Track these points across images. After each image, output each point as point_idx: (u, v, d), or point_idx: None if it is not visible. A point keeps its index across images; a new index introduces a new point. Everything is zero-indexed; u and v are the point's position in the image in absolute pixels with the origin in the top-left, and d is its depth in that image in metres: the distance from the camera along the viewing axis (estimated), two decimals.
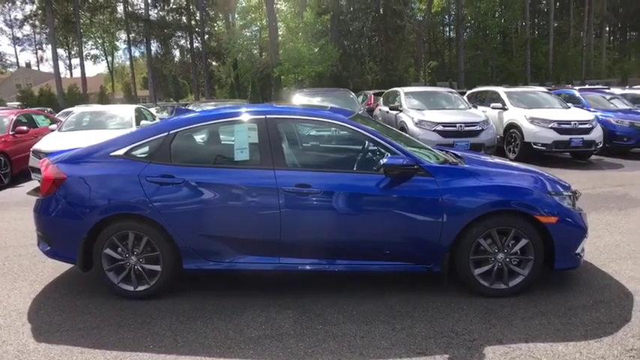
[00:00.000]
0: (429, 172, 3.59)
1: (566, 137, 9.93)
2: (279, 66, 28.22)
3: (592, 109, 11.51)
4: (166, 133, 3.70)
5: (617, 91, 15.13)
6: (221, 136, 3.93)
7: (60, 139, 8.47)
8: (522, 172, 3.95)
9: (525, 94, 11.90)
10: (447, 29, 46.99)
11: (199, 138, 3.99)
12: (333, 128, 4.20)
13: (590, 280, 4.01)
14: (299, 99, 10.76)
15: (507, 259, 3.65)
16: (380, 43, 34.63)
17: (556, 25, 41.16)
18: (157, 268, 3.64)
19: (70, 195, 3.65)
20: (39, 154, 8.02)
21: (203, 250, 3.61)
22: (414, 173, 3.55)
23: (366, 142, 3.87)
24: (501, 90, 11.96)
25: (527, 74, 38.52)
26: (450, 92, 11.91)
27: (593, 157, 10.70)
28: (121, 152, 3.70)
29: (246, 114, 3.82)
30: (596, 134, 10.14)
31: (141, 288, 3.67)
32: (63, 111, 15.21)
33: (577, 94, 12.83)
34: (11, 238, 5.46)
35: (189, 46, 34.91)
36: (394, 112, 11.13)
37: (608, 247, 4.81)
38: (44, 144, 8.39)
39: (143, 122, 9.66)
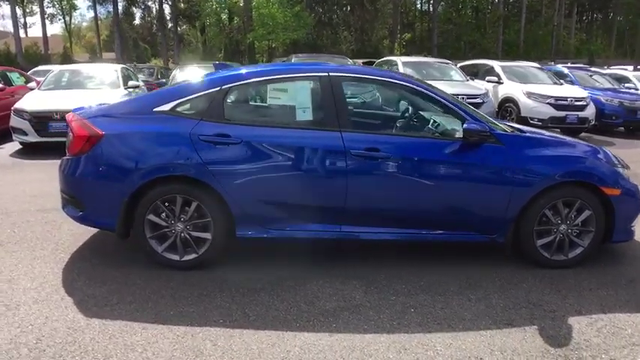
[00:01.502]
0: (500, 141, 3.42)
1: (562, 113, 10.02)
2: (252, 32, 27.19)
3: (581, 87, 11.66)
4: (218, 88, 3.32)
5: (599, 70, 15.43)
6: (279, 94, 3.57)
7: (44, 98, 7.79)
8: (584, 145, 3.84)
9: (519, 68, 11.90)
10: (420, 2, 46.69)
11: (255, 95, 3.62)
12: (398, 90, 3.90)
13: (634, 253, 3.98)
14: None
15: (569, 231, 3.55)
16: (355, 13, 33.97)
17: (528, 3, 41.58)
18: (207, 235, 3.31)
19: (108, 154, 3.24)
20: (22, 113, 7.34)
21: (260, 216, 3.31)
22: (486, 140, 3.36)
23: (434, 106, 3.62)
24: (496, 63, 11.91)
25: (498, 51, 38.97)
26: (446, 63, 11.73)
27: (582, 134, 10.90)
28: (166, 108, 3.30)
29: (306, 70, 3.48)
30: (590, 111, 10.29)
31: (188, 257, 3.34)
32: (35, 69, 14.08)
33: (565, 70, 12.97)
34: (10, 204, 4.94)
35: (157, 6, 32.98)
36: None
37: None
38: (27, 103, 7.68)
39: (131, 82, 9.03)
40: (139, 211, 3.25)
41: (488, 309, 3.02)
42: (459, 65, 13.33)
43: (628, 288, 3.38)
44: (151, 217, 3.27)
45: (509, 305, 3.07)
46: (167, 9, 34.06)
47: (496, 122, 3.83)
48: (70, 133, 3.41)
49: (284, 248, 3.68)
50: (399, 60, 11.22)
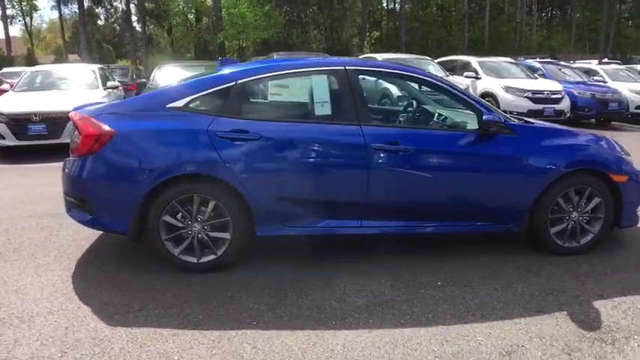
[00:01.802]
0: (514, 131, 3.45)
1: (540, 106, 10.30)
2: (222, 31, 26.80)
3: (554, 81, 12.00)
4: (233, 83, 3.21)
5: (568, 65, 15.93)
6: (295, 88, 3.49)
7: (21, 100, 7.44)
8: (590, 134, 3.92)
9: (494, 63, 12.15)
10: (387, 1, 47.10)
11: (271, 89, 3.52)
12: (413, 83, 3.88)
13: (631, 237, 4.08)
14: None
15: (580, 218, 3.62)
16: (324, 12, 34.00)
17: (491, 0, 42.61)
18: (226, 235, 3.20)
19: (120, 153, 3.09)
20: None
21: (280, 214, 3.22)
22: (502, 131, 3.39)
23: (448, 98, 3.62)
24: (473, 59, 12.12)
25: (464, 48, 39.77)
26: (425, 60, 11.86)
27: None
28: (179, 104, 3.17)
29: (322, 64, 3.43)
30: (565, 104, 10.61)
31: (206, 259, 3.22)
32: (3, 70, 13.43)
33: (537, 65, 13.33)
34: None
35: (124, 6, 31.92)
36: None
37: None
38: (3, 105, 7.29)
39: (110, 83, 8.72)
40: (154, 213, 3.10)
41: (516, 297, 3.03)
42: (436, 61, 13.52)
43: (639, 271, 3.48)
44: (167, 218, 3.13)
45: (535, 292, 3.09)
46: (134, 9, 33.20)
47: (506, 115, 3.86)
48: (76, 132, 3.23)
49: (298, 246, 3.58)
50: (380, 57, 11.26)
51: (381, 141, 3.20)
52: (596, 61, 18.37)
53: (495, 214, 3.51)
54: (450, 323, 2.71)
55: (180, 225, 3.16)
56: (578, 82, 12.07)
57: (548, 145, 3.50)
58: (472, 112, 3.45)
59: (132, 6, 30.43)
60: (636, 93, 11.80)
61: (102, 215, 3.18)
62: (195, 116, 3.14)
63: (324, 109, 3.28)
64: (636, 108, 11.69)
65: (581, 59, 26.11)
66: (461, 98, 3.49)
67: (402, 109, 4.26)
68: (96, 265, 3.42)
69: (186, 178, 3.09)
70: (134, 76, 13.43)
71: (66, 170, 3.29)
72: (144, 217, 3.12)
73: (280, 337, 2.52)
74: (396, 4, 45.01)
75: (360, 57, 13.25)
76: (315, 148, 3.18)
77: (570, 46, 44.60)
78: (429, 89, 3.67)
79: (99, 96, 7.96)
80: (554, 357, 2.44)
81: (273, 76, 3.39)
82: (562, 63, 16.04)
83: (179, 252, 3.19)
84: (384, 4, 48.37)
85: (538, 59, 18.86)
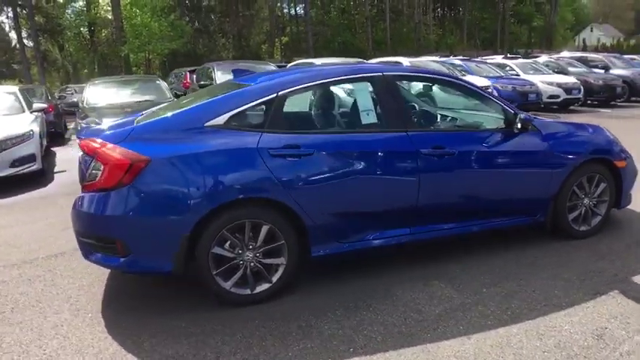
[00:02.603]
0: (537, 127, 3.61)
1: None
2: (127, 44, 25.23)
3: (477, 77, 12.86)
4: (274, 95, 2.98)
5: (484, 60, 17.16)
6: (337, 98, 3.33)
7: None
8: (591, 125, 4.19)
9: (422, 63, 12.73)
10: (288, 6, 47.48)
11: (312, 100, 3.32)
12: (446, 86, 3.90)
13: (622, 216, 4.43)
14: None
15: (590, 203, 3.89)
16: (230, 19, 33.43)
17: (390, 3, 44.74)
18: (280, 260, 2.97)
19: (160, 183, 2.73)
20: None
21: (336, 231, 3.06)
22: (532, 128, 3.55)
23: (475, 100, 3.70)
24: (405, 60, 12.57)
25: (370, 49, 41.37)
26: (268, 64, 11.68)
27: None
28: (220, 121, 2.88)
29: (360, 71, 3.31)
30: None
31: (260, 289, 2.97)
32: None
33: (459, 62, 14.20)
34: None
35: (12, 22, 28.49)
36: None
37: None
38: None
39: (36, 105, 7.81)
40: (202, 245, 2.79)
41: (568, 283, 3.17)
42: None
43: None
44: (217, 249, 2.83)
45: (580, 276, 3.26)
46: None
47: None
48: (94, 163, 2.81)
49: (327, 261, 3.42)
50: (318, 61, 11.26)
51: (429, 146, 3.18)
52: (501, 56, 19.97)
53: (527, 206, 3.66)
54: (531, 317, 2.76)
55: (231, 255, 2.88)
56: (498, 77, 13.03)
57: (567, 139, 3.75)
58: (496, 112, 3.56)
59: (21, 20, 27.42)
60: (547, 84, 13.03)
61: (140, 256, 2.79)
62: (240, 134, 2.88)
63: (369, 117, 3.18)
64: (548, 98, 12.90)
65: (477, 55, 28.34)
66: (490, 100, 3.61)
67: (434, 112, 4.31)
68: (129, 312, 2.99)
69: (236, 203, 2.82)
70: (49, 97, 12.14)
71: (82, 208, 2.86)
72: (190, 251, 2.79)
73: (396, 358, 2.39)
74: (298, 9, 45.61)
75: (293, 64, 13.11)
76: (368, 158, 3.07)
77: (464, 44, 48.26)
78: (458, 92, 3.71)
79: (27, 121, 7.11)
80: (636, 332, 2.58)
81: (313, 85, 3.22)
82: (478, 59, 17.26)
83: (231, 285, 2.91)
84: (286, 10, 48.87)
85: (452, 57, 20.15)
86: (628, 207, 4.24)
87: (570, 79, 13.60)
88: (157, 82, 9.31)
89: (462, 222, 3.44)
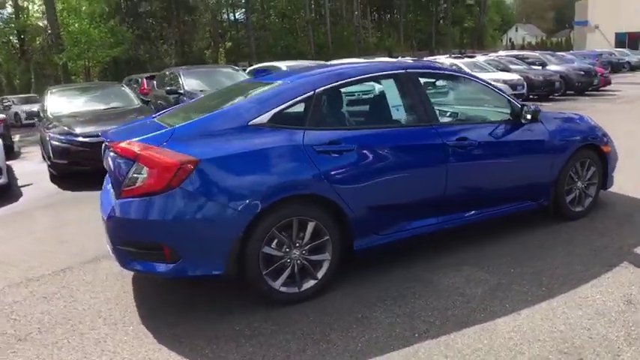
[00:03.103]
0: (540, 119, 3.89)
1: None
2: (65, 52, 23.91)
3: None
4: (312, 92, 3.03)
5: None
6: (368, 94, 3.42)
7: None
8: (578, 115, 4.54)
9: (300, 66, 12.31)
10: (227, 12, 46.98)
11: (344, 96, 3.37)
12: (461, 82, 4.08)
13: (606, 199, 4.83)
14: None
15: (582, 186, 4.23)
16: (172, 25, 32.60)
17: (330, 7, 45.44)
18: (325, 256, 3.02)
19: (209, 184, 2.69)
20: None
21: (375, 223, 3.15)
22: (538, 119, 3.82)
23: (485, 94, 3.92)
24: (363, 60, 12.83)
25: (312, 53, 41.81)
26: (233, 69, 11.02)
27: None
28: (264, 119, 2.89)
29: (386, 68, 3.46)
30: None
31: (307, 286, 2.99)
32: None
33: (411, 62, 14.71)
34: None
35: None
36: (173, 96, 9.05)
37: None
38: None
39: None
40: (253, 246, 2.78)
41: (584, 259, 3.43)
42: (249, 69, 12.70)
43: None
44: (266, 249, 2.83)
45: (592, 252, 3.54)
46: None
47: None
48: (136, 167, 2.72)
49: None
50: (283, 65, 11.23)
51: (454, 138, 3.36)
52: (447, 56, 20.85)
53: (534, 191, 3.94)
54: (564, 291, 2.98)
55: (279, 254, 2.89)
56: None
57: (564, 127, 4.06)
58: (503, 105, 3.80)
59: None
60: (494, 81, 13.69)
61: (189, 261, 2.73)
62: (285, 131, 2.90)
63: (399, 112, 3.30)
64: None
65: (414, 56, 29.48)
66: (498, 94, 3.86)
67: (450, 106, 4.46)
68: (172, 321, 2.91)
69: (285, 201, 2.83)
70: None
71: (122, 215, 2.76)
72: (242, 253, 2.78)
73: (461, 339, 2.52)
74: (238, 15, 45.26)
75: (256, 66, 13.00)
76: (402, 151, 3.19)
77: (401, 45, 49.92)
78: (469, 87, 3.92)
79: None
80: None
81: (345, 83, 3.29)
82: (426, 59, 17.91)
83: (280, 284, 2.91)
84: (225, 16, 48.35)
85: (399, 58, 20.76)
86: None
87: (515, 76, 14.48)
88: (121, 87, 8.98)
89: (481, 209, 3.64)
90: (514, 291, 3.01)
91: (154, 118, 3.65)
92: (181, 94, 8.90)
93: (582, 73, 16.17)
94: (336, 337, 2.61)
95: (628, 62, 28.72)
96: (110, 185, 3.36)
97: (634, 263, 3.33)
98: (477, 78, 3.91)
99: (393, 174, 3.16)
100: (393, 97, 3.36)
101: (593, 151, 4.21)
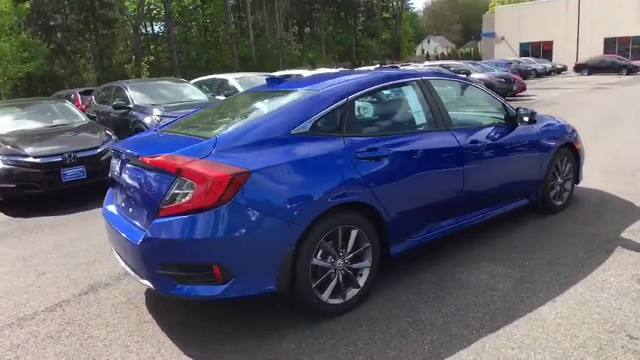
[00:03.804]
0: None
1: None
2: None
3: None
4: (345, 100, 3.06)
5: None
6: (392, 100, 3.49)
7: None
8: (553, 116, 4.91)
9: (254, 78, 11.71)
10: (149, 25, 45.34)
11: (371, 103, 3.41)
12: (465, 89, 4.26)
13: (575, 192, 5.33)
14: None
15: (561, 181, 4.62)
16: (90, 38, 30.80)
17: (253, 20, 45.39)
18: (365, 264, 3.04)
19: (261, 196, 2.61)
20: None
21: (408, 227, 3.23)
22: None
23: (482, 98, 4.16)
24: (231, 77, 11.80)
25: (236, 65, 41.44)
26: (180, 81, 10.66)
27: None
28: (305, 128, 2.87)
29: (405, 76, 3.56)
30: None
31: (351, 295, 2.99)
32: None
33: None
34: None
35: None
36: (122, 111, 8.52)
37: None
38: None
39: None
40: (303, 259, 2.73)
41: (582, 247, 3.75)
42: (195, 81, 12.07)
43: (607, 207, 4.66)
44: (315, 261, 2.80)
45: (586, 241, 3.88)
46: None
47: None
48: (184, 182, 2.56)
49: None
50: (127, 84, 9.46)
51: (468, 141, 3.56)
52: (374, 67, 21.61)
53: (527, 188, 4.24)
54: (581, 277, 3.25)
55: (327, 265, 2.87)
56: None
57: (548, 127, 4.41)
58: (498, 109, 4.08)
59: None
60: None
61: (243, 279, 2.61)
62: (328, 139, 2.90)
63: (420, 118, 3.42)
64: None
65: (337, 68, 30.22)
66: (494, 98, 4.14)
67: (456, 111, 4.60)
68: (216, 346, 2.77)
69: (334, 209, 2.81)
70: None
71: (162, 236, 2.59)
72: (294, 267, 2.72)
73: (517, 330, 2.65)
74: (158, 28, 43.84)
75: (203, 78, 12.54)
76: (429, 155, 3.32)
77: (323, 57, 50.99)
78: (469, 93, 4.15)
79: None
80: None
81: (373, 90, 3.33)
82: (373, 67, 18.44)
83: (327, 296, 2.88)
84: (144, 29, 46.59)
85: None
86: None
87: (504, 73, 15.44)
88: (65, 103, 8.36)
89: (488, 208, 3.86)
90: (539, 282, 3.22)
91: (154, 131, 3.51)
92: (130, 108, 8.48)
93: (503, 80, 17.57)
94: (399, 343, 2.64)
95: (534, 69, 31.60)
96: (122, 205, 3.14)
97: (627, 247, 3.69)
98: (475, 83, 4.16)
99: (422, 177, 3.27)
100: (415, 103, 3.48)
101: (569, 148, 4.61)
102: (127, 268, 3.00)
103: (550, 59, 38.73)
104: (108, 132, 7.11)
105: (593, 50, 38.09)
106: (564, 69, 32.31)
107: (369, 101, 3.24)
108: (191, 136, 3.02)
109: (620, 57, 33.79)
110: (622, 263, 3.42)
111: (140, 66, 33.62)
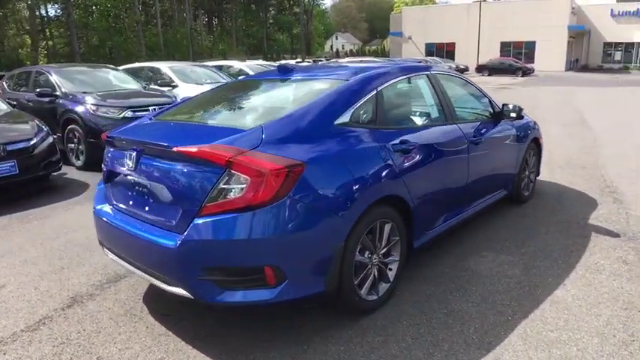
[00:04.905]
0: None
1: None
2: None
3: None
4: (375, 91, 3.04)
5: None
6: (410, 93, 3.50)
7: None
8: None
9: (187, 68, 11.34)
10: (40, 7, 40.97)
11: (395, 95, 3.37)
12: (462, 86, 4.36)
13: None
14: None
15: (528, 172, 5.01)
16: None
17: (160, 8, 43.02)
18: (394, 258, 3.04)
19: (315, 190, 2.46)
20: None
21: (427, 220, 3.30)
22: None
23: (472, 94, 4.34)
24: (164, 65, 11.10)
25: (142, 54, 39.12)
26: (113, 69, 9.62)
27: None
28: (345, 119, 2.79)
29: (418, 69, 3.63)
30: None
31: (383, 290, 2.97)
32: None
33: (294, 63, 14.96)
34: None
35: None
36: (46, 99, 7.76)
37: None
38: None
39: None
40: (348, 255, 2.64)
41: (563, 234, 4.11)
42: (124, 67, 11.25)
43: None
44: (357, 257, 2.74)
45: (563, 228, 4.26)
46: None
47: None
48: (234, 175, 2.34)
49: None
50: (51, 70, 8.38)
51: (471, 135, 3.73)
52: (294, 61, 21.67)
53: (506, 180, 4.54)
54: (576, 260, 3.57)
55: (366, 261, 2.83)
56: None
57: (520, 125, 4.71)
58: (484, 104, 4.31)
59: None
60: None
61: (295, 281, 2.45)
62: (368, 131, 2.86)
63: (434, 111, 3.52)
64: None
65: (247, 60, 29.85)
66: (482, 94, 4.36)
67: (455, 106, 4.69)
68: (246, 353, 2.62)
69: (376, 203, 2.76)
70: None
71: (206, 237, 2.35)
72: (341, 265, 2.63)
73: (547, 313, 2.83)
74: (53, 10, 39.88)
75: (20, 70, 9.78)
76: (446, 148, 3.43)
77: (234, 50, 49.94)
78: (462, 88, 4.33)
79: None
80: None
81: (395, 82, 3.30)
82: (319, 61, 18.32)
83: (366, 293, 2.85)
84: (41, 12, 42.10)
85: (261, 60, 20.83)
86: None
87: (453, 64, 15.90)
88: None
89: (483, 198, 4.09)
90: (542, 267, 3.47)
91: (146, 119, 3.26)
92: (57, 96, 7.65)
93: None
94: (446, 335, 2.68)
95: None
96: (131, 203, 2.81)
97: (599, 232, 4.12)
98: (468, 79, 4.35)
99: (441, 170, 3.38)
100: (429, 97, 3.56)
101: (534, 142, 5.00)
102: (146, 276, 2.71)
103: (453, 59, 41.59)
104: (38, 122, 6.36)
105: (491, 53, 41.71)
106: (466, 69, 34.90)
107: (392, 93, 3.24)
108: (219, 125, 2.80)
109: (516, 60, 37.39)
110: (603, 247, 3.79)
111: (37, 51, 30.28)
